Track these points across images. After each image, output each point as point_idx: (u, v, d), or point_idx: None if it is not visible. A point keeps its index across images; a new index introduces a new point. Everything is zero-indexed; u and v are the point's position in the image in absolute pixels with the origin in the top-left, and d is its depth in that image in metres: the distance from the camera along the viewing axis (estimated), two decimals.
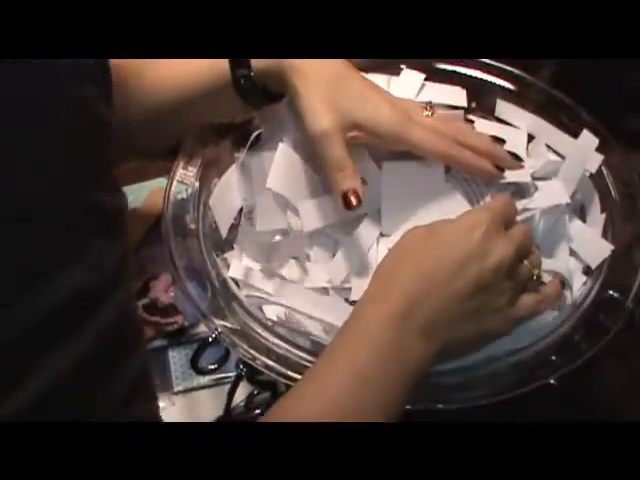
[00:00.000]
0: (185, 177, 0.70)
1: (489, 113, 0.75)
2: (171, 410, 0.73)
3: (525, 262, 0.57)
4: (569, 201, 0.65)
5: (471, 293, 0.53)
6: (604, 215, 0.67)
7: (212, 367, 0.68)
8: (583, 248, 0.66)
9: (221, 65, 0.64)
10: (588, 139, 0.68)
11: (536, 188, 0.66)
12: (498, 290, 0.55)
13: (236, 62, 0.63)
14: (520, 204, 0.63)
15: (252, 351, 0.58)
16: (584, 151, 0.68)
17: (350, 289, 0.64)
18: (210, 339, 0.61)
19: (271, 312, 0.63)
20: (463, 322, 0.54)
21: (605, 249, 0.65)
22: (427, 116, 0.64)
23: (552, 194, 0.65)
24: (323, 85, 0.60)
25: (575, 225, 0.67)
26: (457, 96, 0.73)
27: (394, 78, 0.73)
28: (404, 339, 0.52)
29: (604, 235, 0.67)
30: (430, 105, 0.64)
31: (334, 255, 0.65)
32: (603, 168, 0.69)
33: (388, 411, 0.50)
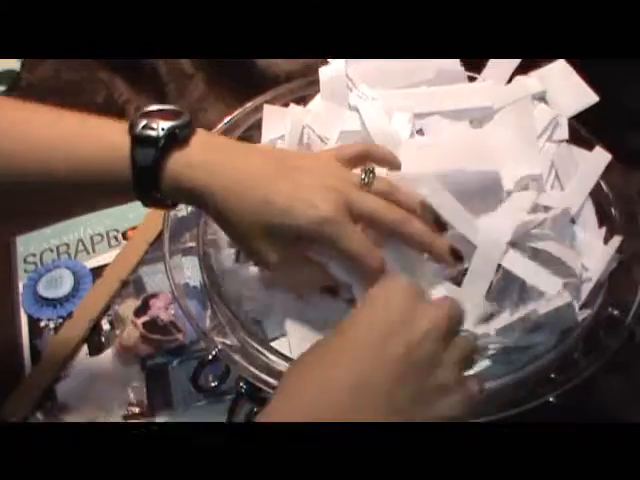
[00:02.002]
0: None
1: None
2: None
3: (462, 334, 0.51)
4: (576, 208, 0.66)
5: (401, 375, 0.46)
6: (603, 232, 0.67)
7: (212, 384, 0.68)
8: (590, 259, 0.65)
9: (124, 174, 0.55)
10: (602, 155, 0.69)
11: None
12: (439, 361, 0.47)
13: (142, 182, 0.56)
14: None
15: (252, 368, 0.58)
16: (596, 165, 0.68)
17: None
18: (210, 357, 0.61)
19: (271, 329, 0.63)
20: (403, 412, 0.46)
21: (612, 260, 0.64)
22: (366, 182, 0.58)
23: (560, 200, 0.66)
24: (248, 215, 0.55)
25: (579, 236, 0.67)
26: None
27: None
28: None
29: None
30: (369, 170, 0.59)
31: None
32: (603, 185, 0.69)
33: None
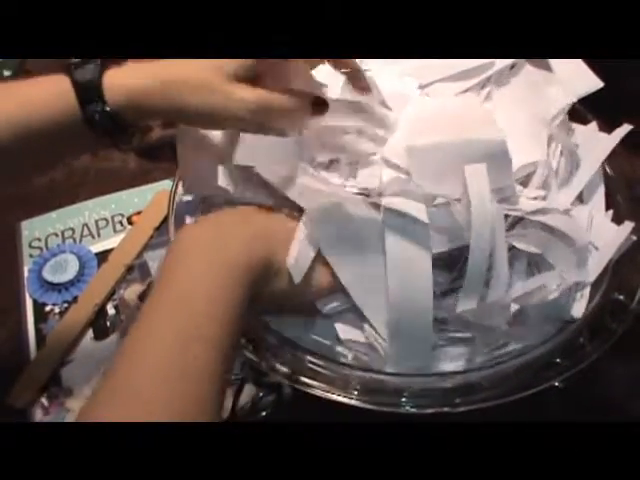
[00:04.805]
0: None
1: None
2: None
3: None
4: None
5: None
6: (609, 216, 0.67)
7: None
8: (599, 240, 0.65)
9: (68, 99, 0.54)
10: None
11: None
12: None
13: (86, 97, 0.53)
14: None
15: (257, 353, 0.58)
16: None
17: None
18: None
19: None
20: None
21: (626, 241, 0.64)
22: None
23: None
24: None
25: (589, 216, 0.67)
26: None
27: None
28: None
29: None
30: None
31: None
32: (607, 170, 0.69)
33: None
